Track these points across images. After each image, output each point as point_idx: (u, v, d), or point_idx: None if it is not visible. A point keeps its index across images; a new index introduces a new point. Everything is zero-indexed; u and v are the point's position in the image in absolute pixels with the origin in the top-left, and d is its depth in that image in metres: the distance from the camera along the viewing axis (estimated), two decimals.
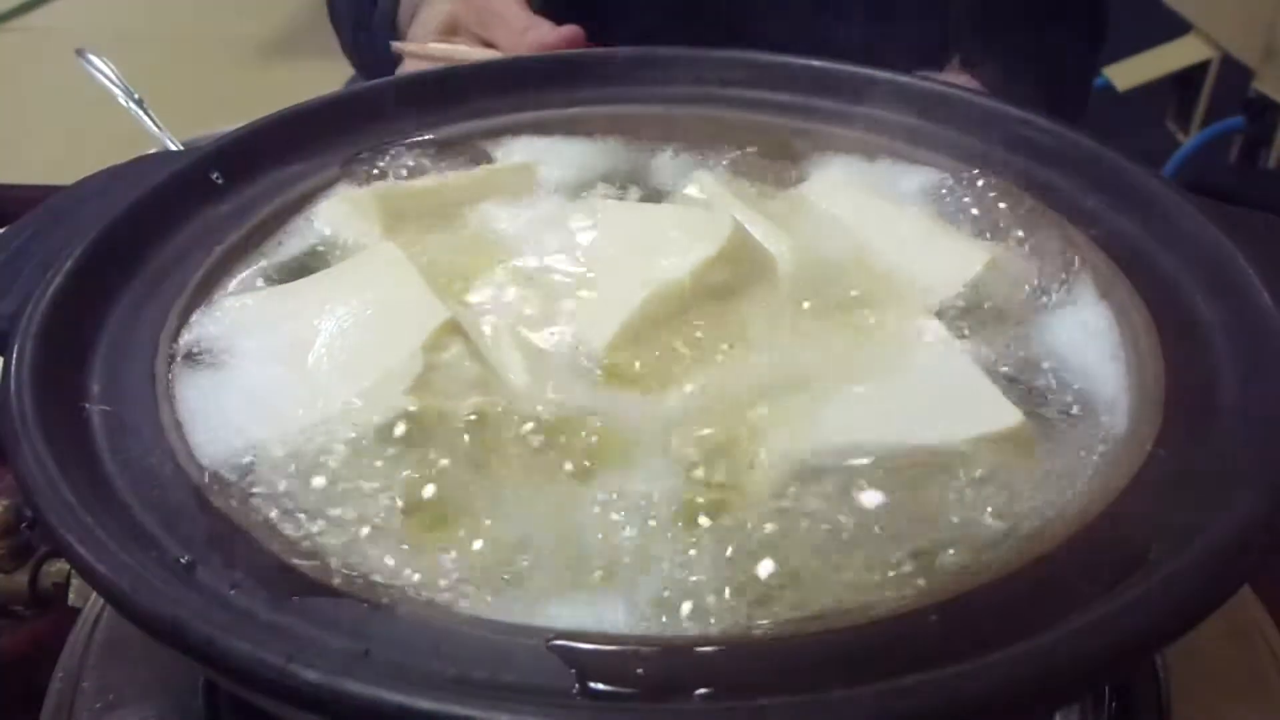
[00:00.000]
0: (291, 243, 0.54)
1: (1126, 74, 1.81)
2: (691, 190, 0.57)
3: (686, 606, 0.35)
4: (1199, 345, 0.44)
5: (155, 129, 1.04)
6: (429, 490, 0.39)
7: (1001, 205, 0.54)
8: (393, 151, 0.59)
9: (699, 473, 0.39)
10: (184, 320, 0.47)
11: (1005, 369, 0.45)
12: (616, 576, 0.36)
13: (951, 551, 0.36)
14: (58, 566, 0.62)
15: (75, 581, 0.61)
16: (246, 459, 0.41)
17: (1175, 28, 1.79)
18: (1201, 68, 1.78)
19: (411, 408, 0.41)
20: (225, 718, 0.48)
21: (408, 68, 0.82)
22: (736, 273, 0.48)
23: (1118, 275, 0.48)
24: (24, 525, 0.63)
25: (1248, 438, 0.39)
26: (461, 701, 0.29)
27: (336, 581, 0.35)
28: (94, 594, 0.57)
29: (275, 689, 0.30)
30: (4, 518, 0.62)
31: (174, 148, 1.00)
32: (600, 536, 0.37)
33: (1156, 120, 1.92)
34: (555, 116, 0.62)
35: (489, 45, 0.78)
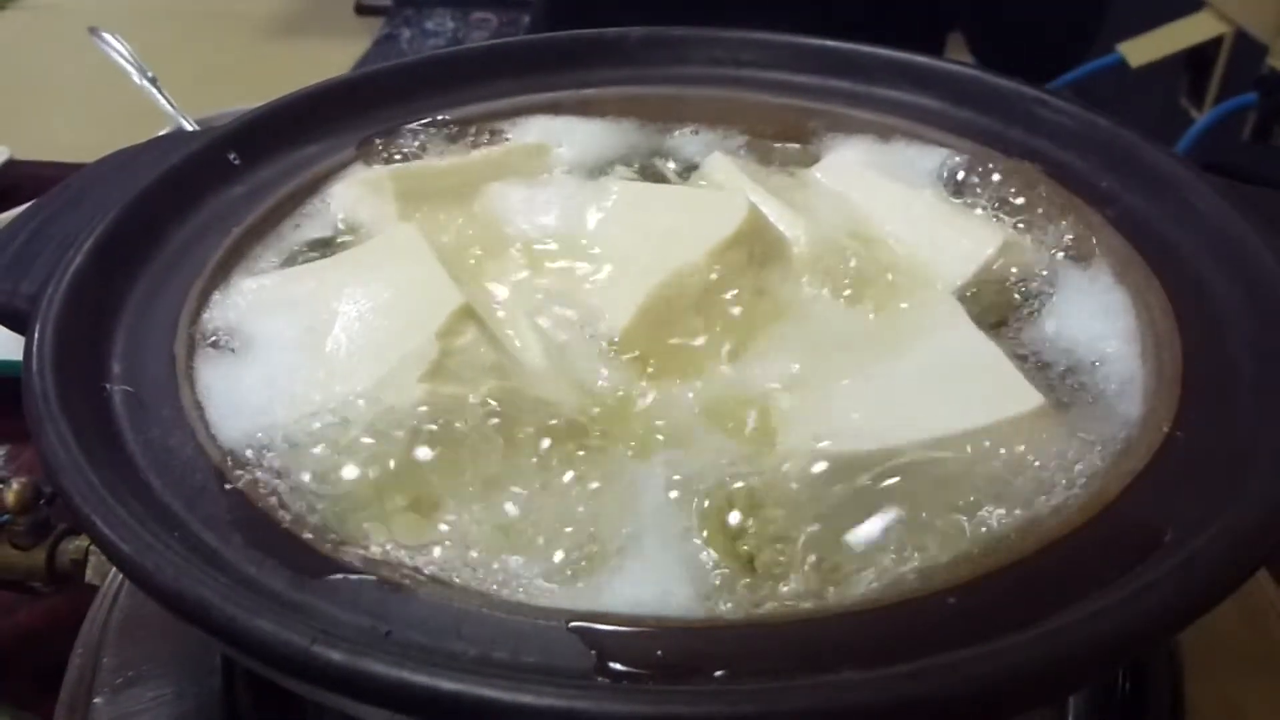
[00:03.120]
0: (308, 224, 0.54)
1: (1139, 50, 1.79)
2: (706, 171, 0.57)
3: (705, 589, 0.35)
4: (1216, 326, 0.44)
5: (168, 107, 1.04)
6: (444, 474, 0.39)
7: (1016, 186, 0.54)
8: (408, 132, 0.59)
9: (716, 457, 0.40)
10: (203, 301, 0.47)
11: (1021, 351, 0.45)
12: (634, 559, 0.36)
13: (969, 534, 0.36)
14: (75, 544, 0.63)
15: (93, 559, 0.62)
16: (265, 440, 0.41)
17: (1188, 3, 1.77)
18: (1215, 44, 1.76)
19: (426, 393, 0.42)
20: (242, 694, 0.49)
21: None
22: (752, 254, 0.48)
23: (1134, 256, 0.48)
24: (42, 502, 0.63)
25: (1265, 419, 0.39)
26: (483, 682, 0.29)
27: (357, 563, 0.35)
28: (112, 571, 0.57)
29: (299, 669, 0.30)
30: (22, 495, 0.62)
31: (187, 126, 1.00)
32: (618, 519, 0.38)
33: (1169, 97, 1.91)
34: (569, 97, 0.62)
35: None
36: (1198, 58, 1.80)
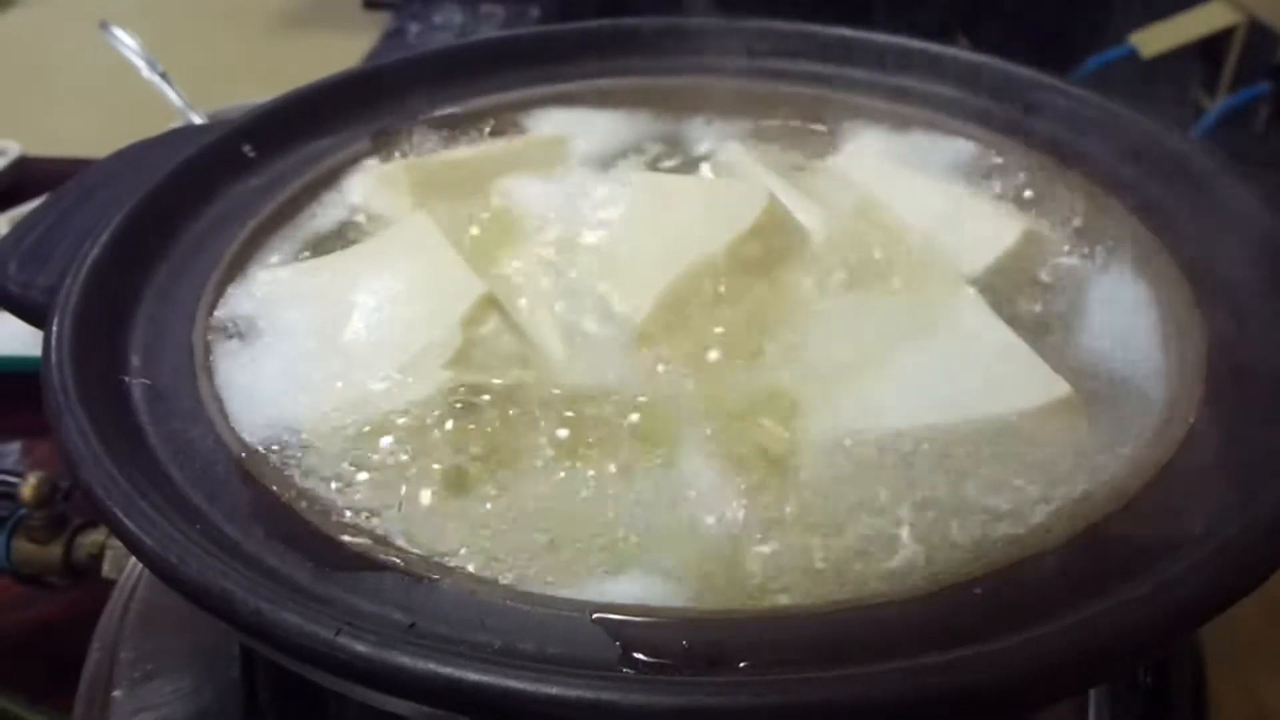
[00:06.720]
0: (324, 216, 0.54)
1: (1151, 40, 1.78)
2: (723, 161, 0.57)
3: (728, 580, 0.35)
4: (1238, 315, 0.44)
5: (179, 101, 1.04)
6: (470, 464, 0.39)
7: (1036, 175, 0.53)
8: (423, 124, 0.59)
9: (739, 448, 0.39)
10: (220, 294, 0.47)
11: (1041, 341, 0.44)
12: (658, 550, 0.36)
13: (994, 525, 0.36)
14: (92, 538, 0.63)
15: (109, 552, 0.62)
16: (286, 432, 0.41)
17: None
18: (1228, 34, 1.75)
19: (450, 382, 0.42)
20: (262, 687, 0.49)
21: None
22: (770, 246, 0.48)
23: (1156, 245, 0.48)
24: (58, 497, 0.63)
25: None
26: (508, 674, 0.29)
27: (380, 554, 0.35)
28: (129, 565, 0.57)
29: (324, 661, 0.30)
30: (39, 490, 0.62)
31: (197, 120, 1.00)
32: (642, 510, 0.37)
33: (1181, 87, 1.90)
34: (585, 88, 0.62)
35: None
36: (1210, 48, 1.79)
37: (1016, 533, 0.36)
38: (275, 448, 0.40)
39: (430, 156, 0.57)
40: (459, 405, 0.40)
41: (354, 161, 0.57)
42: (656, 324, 0.45)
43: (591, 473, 0.39)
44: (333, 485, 0.39)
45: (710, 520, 0.37)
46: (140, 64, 1.06)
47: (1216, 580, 0.31)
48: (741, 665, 0.31)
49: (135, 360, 0.44)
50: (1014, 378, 0.41)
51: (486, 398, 0.41)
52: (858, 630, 0.32)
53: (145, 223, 0.49)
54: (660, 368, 0.43)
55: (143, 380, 0.42)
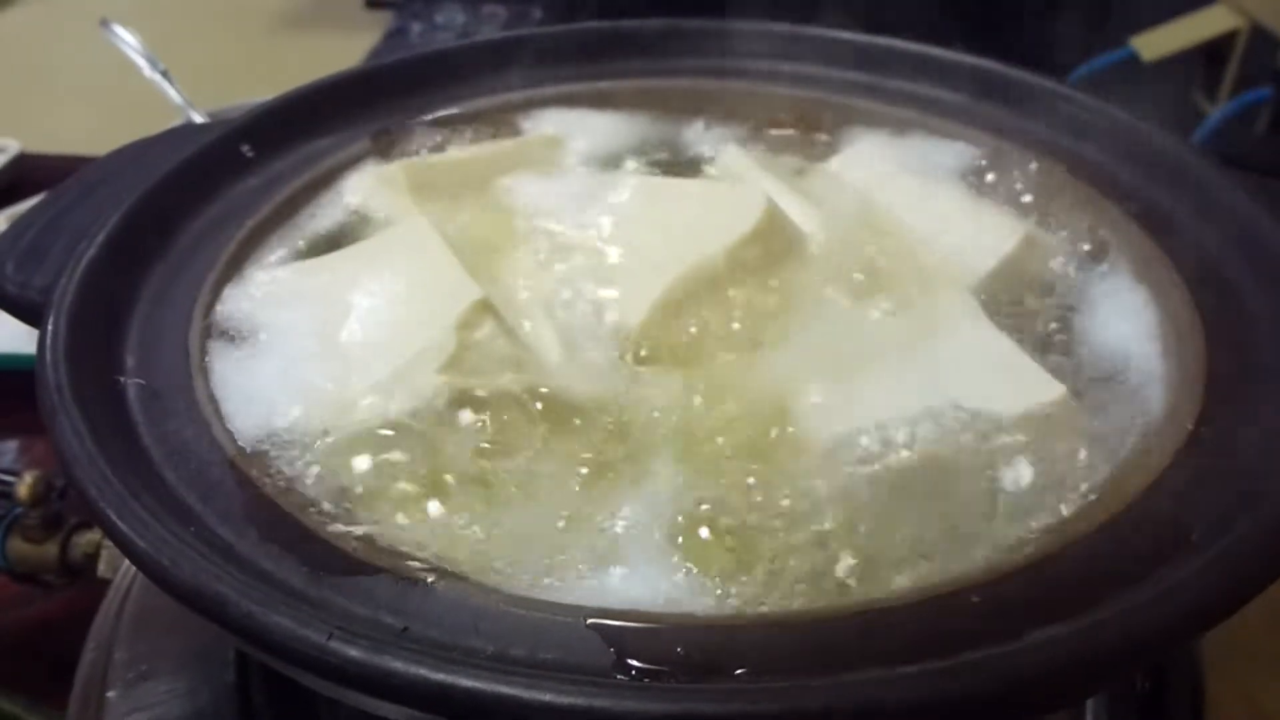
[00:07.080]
0: (321, 216, 0.54)
1: (1152, 44, 1.78)
2: (722, 164, 0.57)
3: (724, 586, 0.35)
4: (1238, 321, 0.44)
5: (179, 100, 1.04)
6: (463, 468, 0.39)
7: (1036, 180, 0.53)
8: (422, 125, 0.58)
9: (733, 452, 0.39)
10: (216, 294, 0.47)
11: (1041, 347, 0.44)
12: (654, 556, 0.36)
13: (993, 530, 0.35)
14: (88, 537, 0.63)
15: (105, 552, 0.62)
16: (281, 434, 0.40)
17: None
18: (1230, 38, 1.75)
19: (444, 386, 0.41)
20: (256, 689, 0.49)
21: None
22: (769, 249, 0.48)
23: (1155, 251, 0.48)
24: (54, 496, 0.63)
25: None
26: (502, 680, 0.29)
27: (373, 558, 0.35)
28: (125, 565, 0.57)
29: (316, 665, 0.30)
30: (34, 488, 0.62)
31: (197, 118, 1.00)
32: (638, 515, 0.37)
33: (1182, 91, 1.89)
34: (584, 89, 0.62)
35: None
36: (1212, 52, 1.79)
37: (1015, 538, 0.35)
38: (270, 450, 0.40)
39: (429, 157, 0.57)
40: (453, 410, 0.40)
41: (353, 161, 0.56)
42: (653, 328, 0.45)
43: (587, 477, 0.39)
44: (327, 488, 0.38)
45: (707, 525, 0.37)
46: (141, 62, 1.06)
47: (1221, 585, 0.31)
48: (738, 672, 0.31)
49: (131, 360, 0.43)
50: (1007, 381, 0.41)
51: (480, 402, 0.41)
52: (854, 637, 0.32)
53: (143, 222, 0.49)
54: (657, 371, 0.43)
55: (138, 380, 0.42)
